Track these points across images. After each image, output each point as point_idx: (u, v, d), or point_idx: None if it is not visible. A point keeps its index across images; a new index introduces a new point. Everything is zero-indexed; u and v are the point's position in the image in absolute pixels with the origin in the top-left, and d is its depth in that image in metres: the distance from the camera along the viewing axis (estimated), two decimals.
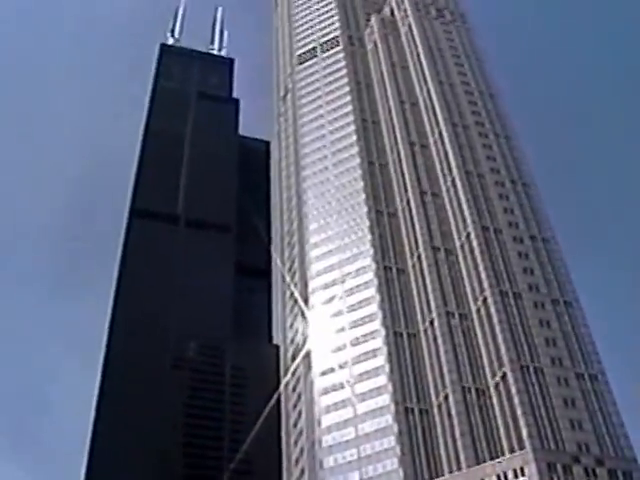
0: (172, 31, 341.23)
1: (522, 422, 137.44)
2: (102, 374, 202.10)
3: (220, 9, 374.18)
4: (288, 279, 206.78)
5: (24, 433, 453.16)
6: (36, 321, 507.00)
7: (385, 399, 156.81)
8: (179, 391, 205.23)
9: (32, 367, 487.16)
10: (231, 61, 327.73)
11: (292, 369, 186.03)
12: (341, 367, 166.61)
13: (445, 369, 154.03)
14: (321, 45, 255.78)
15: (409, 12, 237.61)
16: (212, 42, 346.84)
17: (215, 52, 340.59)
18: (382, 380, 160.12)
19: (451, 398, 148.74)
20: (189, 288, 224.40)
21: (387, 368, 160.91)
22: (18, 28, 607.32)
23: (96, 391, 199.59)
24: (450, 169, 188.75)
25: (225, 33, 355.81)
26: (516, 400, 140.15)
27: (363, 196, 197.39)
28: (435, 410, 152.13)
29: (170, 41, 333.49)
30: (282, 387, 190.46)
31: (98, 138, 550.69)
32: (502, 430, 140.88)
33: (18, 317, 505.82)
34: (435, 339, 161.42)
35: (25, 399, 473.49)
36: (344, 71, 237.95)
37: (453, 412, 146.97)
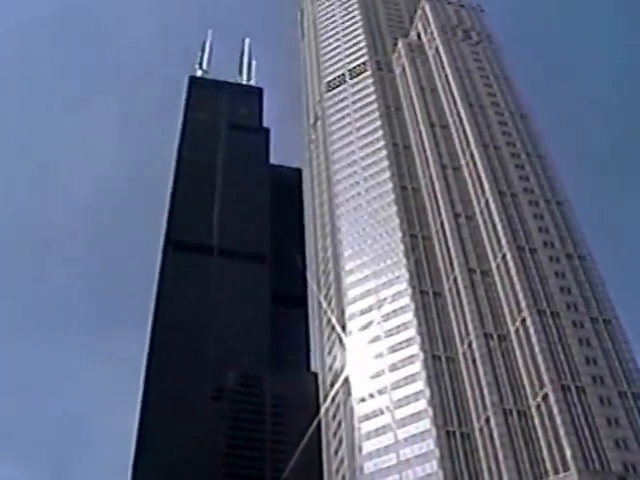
0: (200, 63, 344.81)
1: (565, 443, 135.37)
2: (142, 406, 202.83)
3: (247, 40, 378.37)
4: (325, 306, 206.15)
5: (65, 466, 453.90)
6: (75, 354, 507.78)
7: (426, 424, 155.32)
8: (219, 422, 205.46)
9: (73, 400, 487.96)
10: (260, 91, 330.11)
11: (331, 396, 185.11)
12: (380, 393, 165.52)
13: (485, 391, 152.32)
14: (349, 71, 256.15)
15: (436, 35, 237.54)
16: (240, 73, 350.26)
17: (244, 82, 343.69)
18: (422, 405, 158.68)
19: (492, 421, 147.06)
20: (226, 318, 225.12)
21: (427, 392, 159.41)
22: (58, 57, 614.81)
23: (137, 423, 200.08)
24: (483, 190, 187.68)
25: (253, 63, 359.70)
26: (558, 420, 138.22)
27: (397, 221, 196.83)
28: (477, 433, 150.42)
29: (199, 73, 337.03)
30: (322, 414, 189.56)
31: (131, 170, 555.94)
32: (545, 452, 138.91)
33: (57, 350, 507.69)
34: (474, 361, 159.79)
35: (66, 432, 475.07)
36: (373, 96, 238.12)
37: (495, 435, 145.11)
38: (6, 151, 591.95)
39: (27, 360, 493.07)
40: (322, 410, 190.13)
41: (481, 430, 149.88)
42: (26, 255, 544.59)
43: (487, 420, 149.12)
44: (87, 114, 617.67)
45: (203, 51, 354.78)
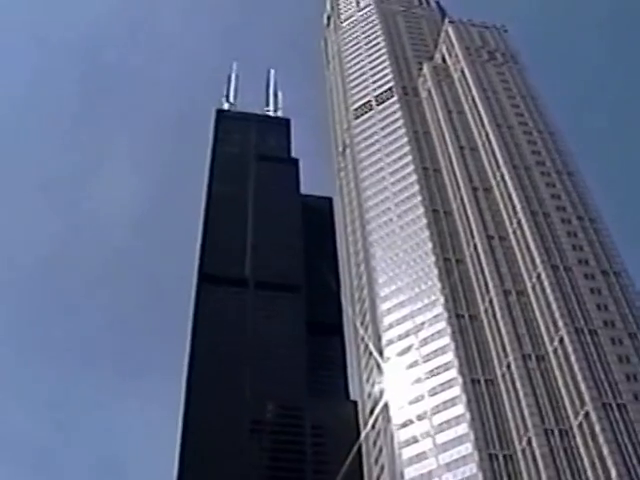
0: (227, 96, 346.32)
1: (610, 462, 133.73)
2: (181, 442, 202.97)
3: (272, 71, 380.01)
4: (361, 333, 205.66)
5: None
6: (111, 391, 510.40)
7: (467, 447, 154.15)
8: (260, 454, 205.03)
9: (112, 438, 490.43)
10: (287, 121, 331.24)
11: (371, 423, 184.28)
12: (420, 418, 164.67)
13: (526, 412, 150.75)
14: (376, 97, 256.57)
15: (460, 57, 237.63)
16: (267, 104, 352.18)
17: (271, 113, 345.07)
18: (463, 429, 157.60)
19: (534, 441, 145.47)
20: (263, 350, 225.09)
21: (467, 416, 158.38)
22: (88, 95, 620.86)
23: (176, 460, 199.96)
24: (515, 211, 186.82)
25: (279, 94, 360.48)
26: (601, 439, 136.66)
27: (430, 245, 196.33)
28: (519, 455, 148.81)
29: (225, 106, 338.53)
30: (362, 442, 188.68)
31: (161, 205, 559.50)
32: (590, 472, 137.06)
33: (95, 387, 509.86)
34: (514, 383, 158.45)
35: (105, 469, 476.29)
36: (401, 121, 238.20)
37: (538, 455, 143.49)
38: (39, 190, 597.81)
39: (69, 400, 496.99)
40: (362, 437, 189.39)
41: (523, 451, 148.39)
42: (61, 294, 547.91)
43: (529, 441, 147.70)
44: (118, 151, 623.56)
45: (229, 84, 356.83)
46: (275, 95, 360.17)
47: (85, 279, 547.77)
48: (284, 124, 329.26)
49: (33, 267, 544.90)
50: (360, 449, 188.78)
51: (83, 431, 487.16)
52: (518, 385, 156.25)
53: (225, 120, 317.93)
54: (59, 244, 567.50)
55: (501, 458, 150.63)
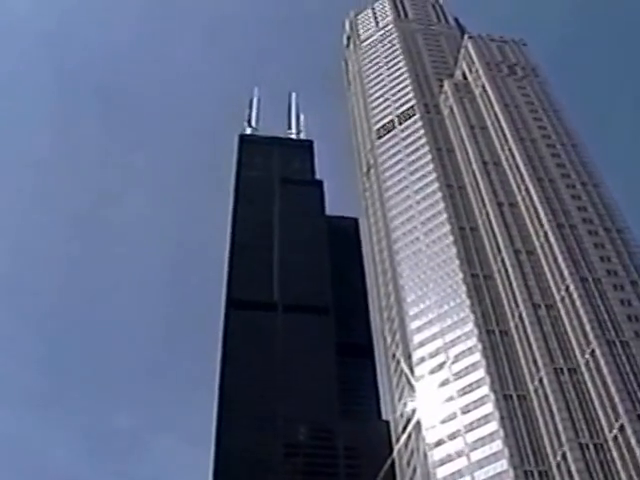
0: (249, 121, 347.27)
1: None
2: (214, 468, 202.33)
3: (294, 94, 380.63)
4: (391, 353, 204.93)
5: None
6: (144, 415, 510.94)
7: (503, 464, 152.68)
8: (294, 477, 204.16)
9: (145, 460, 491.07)
10: (310, 143, 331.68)
11: (404, 443, 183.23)
12: (454, 436, 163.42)
13: (560, 427, 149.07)
14: (398, 117, 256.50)
15: (481, 73, 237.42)
16: (289, 127, 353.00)
17: (293, 136, 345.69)
18: (497, 445, 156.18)
19: (569, 456, 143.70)
20: (293, 373, 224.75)
21: (501, 433, 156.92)
22: (110, 124, 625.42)
23: None
24: (541, 224, 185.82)
25: (301, 117, 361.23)
26: (638, 452, 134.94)
27: (457, 262, 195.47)
28: (555, 470, 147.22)
29: (248, 131, 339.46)
30: (396, 462, 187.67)
31: (187, 232, 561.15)
32: None
33: (126, 410, 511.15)
34: (546, 398, 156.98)
35: None
36: (424, 139, 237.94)
37: (573, 470, 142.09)
38: (67, 216, 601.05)
39: (102, 428, 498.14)
40: (396, 458, 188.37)
41: (558, 466, 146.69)
42: (94, 322, 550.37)
43: (564, 456, 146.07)
44: (140, 177, 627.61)
45: (251, 108, 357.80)
46: (297, 118, 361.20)
47: (113, 306, 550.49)
48: (307, 146, 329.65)
49: (61, 291, 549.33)
50: (394, 469, 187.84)
51: (116, 459, 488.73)
52: (551, 399, 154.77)
53: (248, 144, 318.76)
54: (85, 273, 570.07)
55: (536, 474, 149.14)
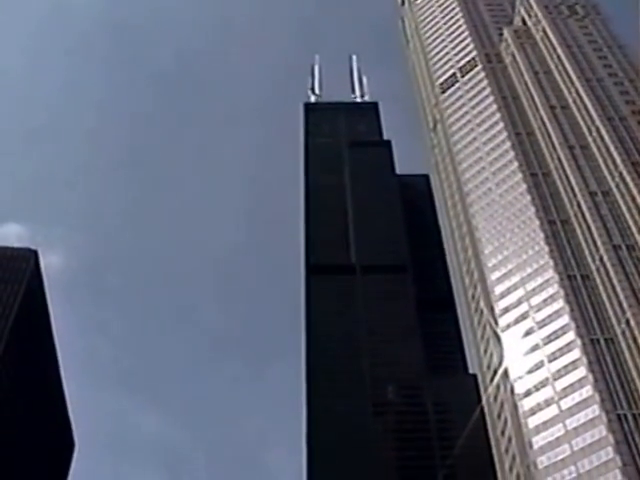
0: (312, 88, 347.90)
1: None
2: (307, 432, 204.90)
3: (354, 57, 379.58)
4: (475, 305, 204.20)
5: None
6: (238, 388, 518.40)
7: (594, 410, 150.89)
8: (385, 435, 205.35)
9: (244, 433, 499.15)
10: (375, 105, 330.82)
11: (493, 395, 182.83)
12: (543, 385, 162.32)
13: None
14: (460, 69, 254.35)
15: (540, 17, 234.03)
16: (353, 91, 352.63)
17: (358, 99, 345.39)
18: (588, 391, 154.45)
19: None
20: (376, 333, 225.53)
21: (590, 378, 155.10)
22: (183, 103, 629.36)
23: (304, 450, 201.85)
24: (615, 164, 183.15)
25: (364, 79, 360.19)
26: None
27: (533, 209, 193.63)
28: None
29: (312, 98, 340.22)
30: (486, 415, 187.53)
31: (263, 202, 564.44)
32: None
33: (221, 385, 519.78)
34: (635, 339, 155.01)
35: (241, 464, 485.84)
36: (488, 89, 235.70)
37: None
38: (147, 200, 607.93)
39: (198, 399, 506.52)
40: (485, 410, 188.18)
41: None
42: (180, 296, 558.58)
43: None
44: (213, 152, 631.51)
45: (313, 76, 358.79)
46: (360, 81, 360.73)
47: (200, 279, 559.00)
48: (372, 108, 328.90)
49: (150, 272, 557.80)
50: (485, 422, 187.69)
51: (213, 429, 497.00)
52: None
53: (314, 112, 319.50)
54: (170, 249, 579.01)
55: (630, 418, 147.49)
